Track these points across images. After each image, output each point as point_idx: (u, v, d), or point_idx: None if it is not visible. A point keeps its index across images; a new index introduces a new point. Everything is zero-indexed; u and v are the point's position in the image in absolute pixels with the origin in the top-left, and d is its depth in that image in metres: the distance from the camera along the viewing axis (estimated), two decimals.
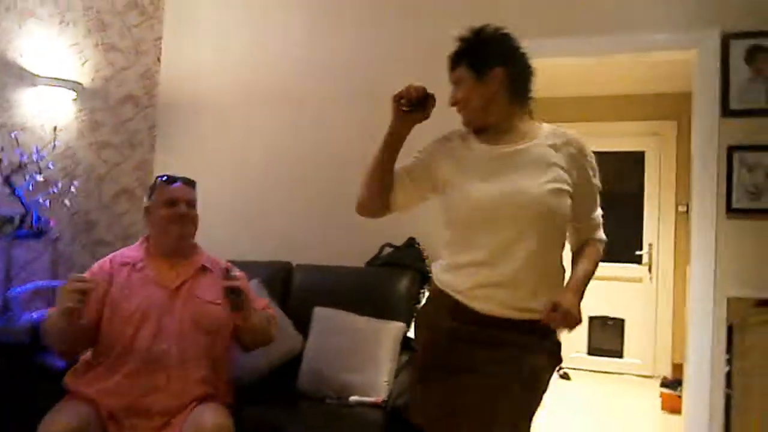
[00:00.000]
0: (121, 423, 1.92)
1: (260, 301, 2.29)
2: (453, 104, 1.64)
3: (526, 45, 1.65)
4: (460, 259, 1.60)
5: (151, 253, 2.17)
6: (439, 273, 1.67)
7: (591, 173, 1.63)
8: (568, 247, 1.71)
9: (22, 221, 2.73)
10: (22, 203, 2.76)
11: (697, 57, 2.90)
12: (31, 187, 2.83)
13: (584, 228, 1.68)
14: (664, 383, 4.49)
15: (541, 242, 1.54)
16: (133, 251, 2.19)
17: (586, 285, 1.60)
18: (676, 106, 5.08)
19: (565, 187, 1.56)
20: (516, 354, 1.53)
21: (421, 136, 1.69)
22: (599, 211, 1.70)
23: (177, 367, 2.00)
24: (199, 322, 2.08)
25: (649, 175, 5.40)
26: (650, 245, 5.35)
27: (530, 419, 1.57)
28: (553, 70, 4.72)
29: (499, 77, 1.58)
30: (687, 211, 4.35)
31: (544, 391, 1.59)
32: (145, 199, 2.27)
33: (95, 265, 2.15)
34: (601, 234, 1.70)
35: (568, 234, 1.68)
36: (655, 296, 5.34)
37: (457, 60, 1.63)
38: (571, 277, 1.61)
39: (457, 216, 1.62)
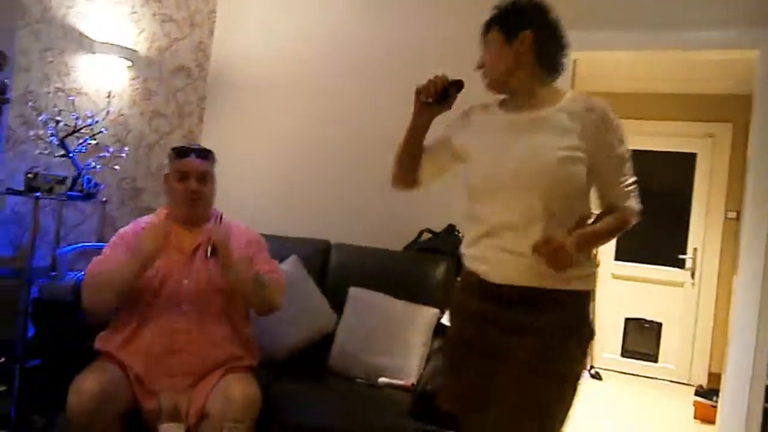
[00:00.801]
0: (147, 384, 1.97)
1: (264, 264, 2.23)
2: (480, 67, 1.66)
3: (575, 36, 1.65)
4: (476, 230, 1.61)
5: (171, 219, 2.19)
6: (464, 249, 1.68)
7: (616, 141, 1.55)
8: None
9: (74, 183, 2.81)
10: (74, 165, 2.84)
11: (759, 57, 2.79)
12: (83, 151, 2.90)
13: (610, 196, 1.59)
14: (699, 392, 4.39)
15: (553, 210, 1.51)
16: (155, 218, 2.22)
17: (591, 240, 1.57)
18: (733, 108, 4.89)
19: (579, 154, 1.51)
20: (543, 339, 1.50)
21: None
22: (629, 180, 1.58)
23: (197, 328, 2.05)
24: (216, 282, 2.11)
25: (699, 178, 5.24)
26: (695, 250, 5.21)
27: (564, 411, 1.51)
28: (605, 64, 4.63)
29: (528, 41, 1.57)
30: (737, 218, 4.21)
31: (577, 378, 1.54)
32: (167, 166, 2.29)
33: (116, 235, 2.19)
34: (631, 202, 1.58)
35: (597, 203, 1.64)
36: (696, 302, 5.20)
37: (489, 25, 1.65)
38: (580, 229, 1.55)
39: (472, 185, 1.64)
